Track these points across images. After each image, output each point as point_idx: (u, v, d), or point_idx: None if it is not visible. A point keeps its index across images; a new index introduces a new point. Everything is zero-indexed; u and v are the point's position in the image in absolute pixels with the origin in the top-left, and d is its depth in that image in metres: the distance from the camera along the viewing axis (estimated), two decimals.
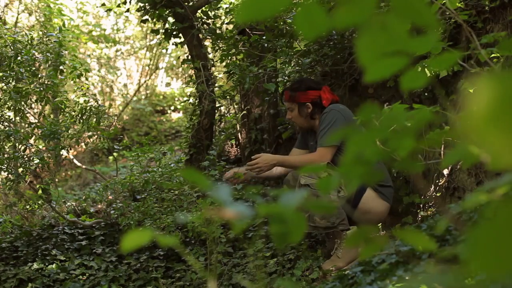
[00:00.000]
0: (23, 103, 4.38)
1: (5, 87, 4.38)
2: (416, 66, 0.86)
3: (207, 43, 5.24)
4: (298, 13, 0.69)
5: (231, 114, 5.62)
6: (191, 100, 5.26)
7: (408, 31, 0.69)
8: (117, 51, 9.85)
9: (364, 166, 0.80)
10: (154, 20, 4.88)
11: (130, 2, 4.97)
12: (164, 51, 9.33)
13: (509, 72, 0.54)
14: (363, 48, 0.69)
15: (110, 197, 4.71)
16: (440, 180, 3.83)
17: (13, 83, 4.36)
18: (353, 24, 0.68)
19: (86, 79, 6.50)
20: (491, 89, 0.54)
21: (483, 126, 0.54)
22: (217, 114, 5.20)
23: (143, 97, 9.54)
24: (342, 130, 0.80)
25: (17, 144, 4.41)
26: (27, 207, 4.53)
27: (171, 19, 4.88)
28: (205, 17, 4.92)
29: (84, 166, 5.10)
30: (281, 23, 4.34)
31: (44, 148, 4.72)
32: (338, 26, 0.68)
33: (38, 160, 4.29)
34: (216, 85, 4.93)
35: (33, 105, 4.90)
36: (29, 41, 4.41)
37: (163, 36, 4.98)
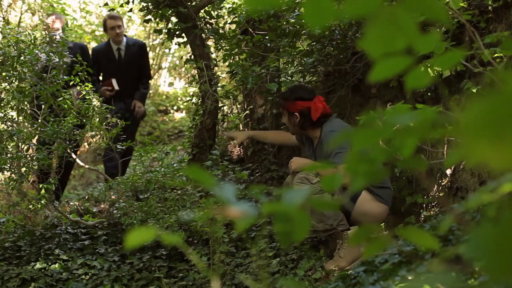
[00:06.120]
0: (26, 102, 4.38)
1: (8, 86, 4.38)
2: (420, 66, 0.85)
3: (210, 42, 5.24)
4: (307, 1, 0.69)
5: (234, 114, 5.62)
6: (194, 100, 5.26)
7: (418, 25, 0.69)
8: None
9: (368, 164, 0.80)
10: (157, 20, 4.88)
11: (133, 2, 4.97)
12: (167, 51, 9.33)
13: (496, 88, 0.54)
14: (371, 40, 0.68)
15: (113, 197, 4.70)
16: (443, 180, 3.83)
17: (16, 83, 4.36)
18: (361, 14, 0.67)
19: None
20: (479, 104, 0.54)
21: (472, 137, 0.54)
22: (220, 114, 5.20)
23: None
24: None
25: (20, 144, 4.41)
26: (30, 206, 4.53)
27: (174, 19, 4.88)
28: (208, 17, 4.92)
29: (87, 166, 5.10)
30: (284, 22, 4.33)
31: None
32: (346, 16, 0.68)
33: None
34: (219, 84, 4.92)
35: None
36: (32, 41, 4.41)
37: (166, 36, 4.98)
